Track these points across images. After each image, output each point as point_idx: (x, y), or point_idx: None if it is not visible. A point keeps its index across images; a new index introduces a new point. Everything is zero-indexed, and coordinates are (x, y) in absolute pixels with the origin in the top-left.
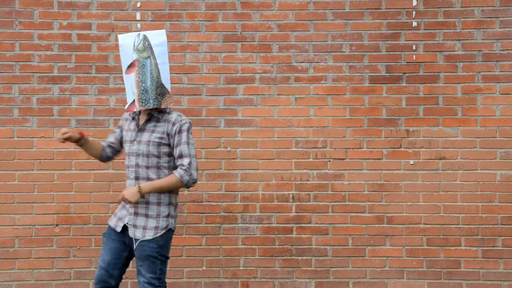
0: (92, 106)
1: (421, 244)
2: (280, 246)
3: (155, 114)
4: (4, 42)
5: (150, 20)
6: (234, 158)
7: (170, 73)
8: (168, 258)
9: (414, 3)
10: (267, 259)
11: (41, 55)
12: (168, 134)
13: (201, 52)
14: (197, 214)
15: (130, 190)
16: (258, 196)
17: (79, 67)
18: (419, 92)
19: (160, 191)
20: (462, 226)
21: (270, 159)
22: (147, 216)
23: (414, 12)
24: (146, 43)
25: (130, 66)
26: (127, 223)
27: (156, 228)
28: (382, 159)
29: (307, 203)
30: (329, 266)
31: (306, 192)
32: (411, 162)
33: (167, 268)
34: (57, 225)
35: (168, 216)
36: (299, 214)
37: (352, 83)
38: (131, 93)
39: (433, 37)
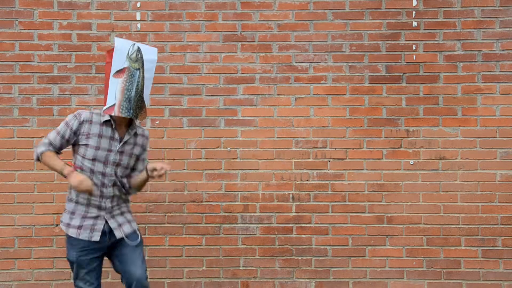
0: (92, 106)
1: (421, 244)
2: (280, 246)
3: (136, 126)
4: (4, 42)
5: (150, 20)
6: (234, 158)
7: (170, 73)
8: None
9: (414, 3)
10: (267, 259)
11: (41, 55)
12: (142, 147)
13: (201, 52)
14: (197, 214)
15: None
16: (258, 196)
17: (79, 67)
18: (419, 92)
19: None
20: (462, 226)
21: (270, 159)
22: (122, 213)
23: (414, 12)
24: (139, 55)
25: (120, 71)
26: (111, 226)
27: (133, 220)
28: (382, 159)
29: (307, 203)
30: (329, 266)
31: (306, 192)
32: (411, 162)
33: (168, 268)
34: (57, 225)
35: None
36: (299, 214)
37: (352, 83)
38: (113, 97)
39: (433, 37)
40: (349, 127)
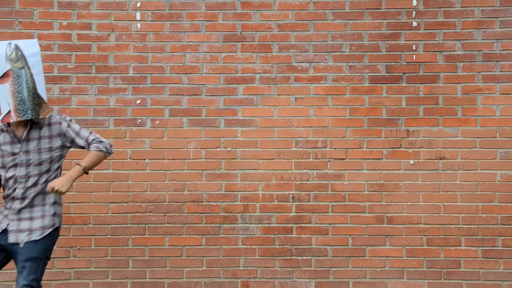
0: (92, 106)
1: (421, 244)
2: (280, 246)
3: (36, 121)
4: None
5: (150, 20)
6: (234, 158)
7: (170, 73)
8: (49, 259)
9: (414, 3)
10: (267, 259)
11: (41, 55)
12: (59, 134)
13: (201, 52)
14: (197, 214)
15: (61, 180)
16: (258, 196)
17: (79, 67)
18: (419, 92)
19: (93, 166)
20: (462, 226)
21: (270, 159)
22: (31, 218)
23: (414, 12)
24: (19, 53)
25: (3, 76)
26: (8, 229)
27: (43, 228)
28: (382, 159)
29: (307, 203)
30: (329, 266)
31: (306, 192)
32: (411, 162)
33: (168, 268)
34: None
35: (54, 215)
36: (299, 214)
37: (352, 83)
38: (6, 104)
39: (433, 37)
40: (349, 127)
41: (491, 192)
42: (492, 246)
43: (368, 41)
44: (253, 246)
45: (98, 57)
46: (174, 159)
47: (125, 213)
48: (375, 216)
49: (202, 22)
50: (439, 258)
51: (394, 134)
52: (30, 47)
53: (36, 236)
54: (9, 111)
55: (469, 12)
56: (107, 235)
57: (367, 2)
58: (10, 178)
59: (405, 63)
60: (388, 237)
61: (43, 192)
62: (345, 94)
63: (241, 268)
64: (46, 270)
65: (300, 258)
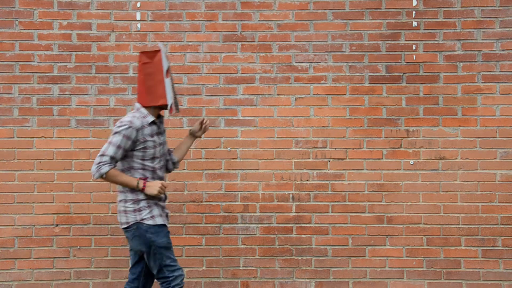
0: (92, 106)
1: (421, 244)
2: (280, 246)
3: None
4: (4, 42)
5: (150, 20)
6: (234, 158)
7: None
8: None
9: (414, 3)
10: (267, 259)
11: (41, 55)
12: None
13: (201, 52)
14: (197, 214)
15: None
16: (258, 196)
17: (79, 67)
18: (419, 92)
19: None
20: (462, 226)
21: (270, 159)
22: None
23: (414, 12)
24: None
25: (168, 71)
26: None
27: None
28: (382, 159)
29: (307, 203)
30: (329, 266)
31: (306, 192)
32: (411, 162)
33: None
34: (57, 225)
35: None
36: (299, 214)
37: (352, 83)
38: (169, 96)
39: (433, 37)
40: (349, 127)
41: (491, 192)
42: (492, 246)
43: (368, 41)
44: (253, 246)
45: (98, 57)
46: None
47: None
48: (375, 216)
49: (202, 22)
50: (439, 258)
51: (394, 134)
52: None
53: None
54: (171, 104)
55: (469, 12)
56: (107, 235)
57: (367, 2)
58: (158, 169)
59: (405, 63)
60: (388, 237)
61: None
62: (345, 94)
63: (241, 268)
64: (46, 270)
65: (300, 258)
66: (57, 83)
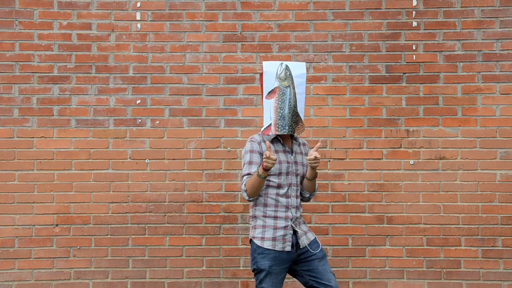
0: (92, 106)
1: (421, 244)
2: None
3: (295, 137)
4: (4, 42)
5: (150, 20)
6: (234, 158)
7: (170, 73)
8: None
9: (414, 3)
10: None
11: (41, 55)
12: (306, 154)
13: (201, 52)
14: (197, 214)
15: None
16: None
17: (79, 67)
18: (419, 92)
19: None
20: (462, 226)
21: None
22: (300, 223)
23: (414, 12)
24: (288, 73)
25: (271, 92)
26: (300, 233)
27: (309, 229)
28: (382, 159)
29: (307, 203)
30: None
31: None
32: (411, 162)
33: (168, 268)
34: (57, 225)
35: None
36: None
37: (352, 83)
38: (268, 117)
39: (433, 37)
40: (349, 127)
41: (491, 192)
42: (492, 246)
43: (368, 41)
44: None
45: (98, 57)
46: (174, 159)
47: (125, 213)
48: (375, 216)
49: (202, 22)
50: (439, 258)
51: (394, 134)
52: (298, 69)
53: (313, 235)
54: (270, 124)
55: (469, 12)
56: (107, 235)
57: (367, 2)
58: (284, 185)
59: (405, 63)
60: (388, 237)
61: (306, 200)
62: (345, 94)
63: (241, 268)
64: (46, 270)
65: None
66: (57, 83)
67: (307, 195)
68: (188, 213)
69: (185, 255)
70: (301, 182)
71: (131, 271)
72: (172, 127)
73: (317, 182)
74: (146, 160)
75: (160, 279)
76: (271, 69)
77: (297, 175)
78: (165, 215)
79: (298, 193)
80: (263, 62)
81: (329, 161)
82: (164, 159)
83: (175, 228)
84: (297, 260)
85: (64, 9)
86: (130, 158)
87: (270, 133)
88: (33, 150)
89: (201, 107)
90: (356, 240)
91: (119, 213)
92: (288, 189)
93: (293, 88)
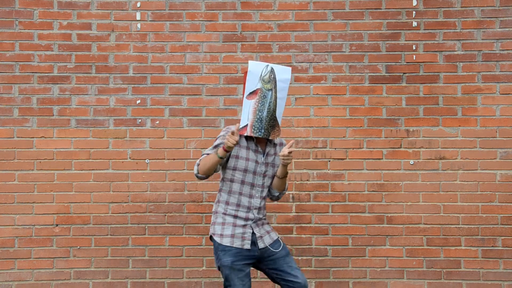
0: (92, 106)
1: (421, 244)
2: None
3: (270, 141)
4: (4, 42)
5: (150, 20)
6: None
7: (170, 73)
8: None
9: (414, 3)
10: None
11: (41, 55)
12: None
13: (201, 52)
14: (197, 214)
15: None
16: None
17: (79, 67)
18: (419, 92)
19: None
20: (462, 226)
21: None
22: (263, 224)
23: (414, 12)
24: (272, 76)
25: (252, 93)
26: (258, 236)
27: (272, 229)
28: (382, 159)
29: (307, 203)
30: (329, 266)
31: (306, 192)
32: (411, 162)
33: (168, 268)
34: (57, 225)
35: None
36: (299, 214)
37: (352, 83)
38: (246, 117)
39: (433, 37)
40: (349, 127)
41: (491, 192)
42: (492, 246)
43: (368, 41)
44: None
45: (98, 57)
46: (174, 159)
47: (125, 213)
48: (375, 216)
49: (202, 22)
50: (439, 258)
51: (394, 134)
52: (283, 73)
53: (275, 235)
54: (246, 125)
55: (469, 12)
56: (107, 235)
57: (367, 2)
58: (247, 183)
59: (405, 63)
60: (388, 237)
61: (274, 199)
62: (345, 94)
63: None
64: (46, 270)
65: (300, 258)
66: (57, 83)
67: (276, 194)
68: (188, 213)
69: (185, 255)
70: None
71: (131, 271)
72: (172, 127)
73: (287, 182)
74: (146, 160)
75: (160, 279)
76: (256, 69)
77: (264, 176)
78: (165, 215)
79: (264, 194)
80: (249, 61)
81: (329, 161)
82: (164, 159)
83: (175, 228)
84: (261, 258)
85: (64, 9)
86: (130, 158)
87: (246, 134)
88: (33, 150)
89: (201, 107)
90: (356, 240)
91: (119, 213)
92: (251, 189)
93: (275, 92)
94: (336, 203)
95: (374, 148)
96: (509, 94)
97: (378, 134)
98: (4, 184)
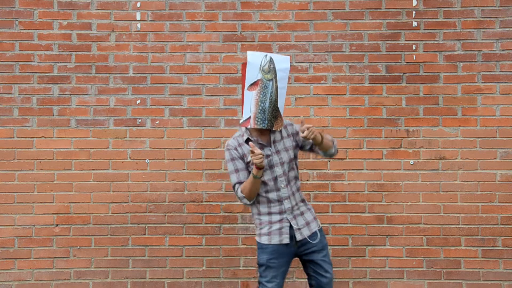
0: (92, 106)
1: (421, 244)
2: None
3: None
4: (4, 42)
5: (150, 20)
6: None
7: (170, 73)
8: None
9: (414, 3)
10: None
11: (41, 55)
12: (293, 134)
13: (201, 52)
14: (197, 214)
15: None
16: None
17: (79, 67)
18: (419, 92)
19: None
20: (462, 226)
21: None
22: (302, 213)
23: (414, 12)
24: (272, 66)
25: (253, 84)
26: (295, 228)
27: (315, 218)
28: (382, 159)
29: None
30: None
31: (306, 192)
32: (411, 162)
33: (168, 268)
34: (57, 225)
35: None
36: None
37: (352, 83)
38: (248, 109)
39: (433, 37)
40: (349, 127)
41: (491, 192)
42: (492, 246)
43: (368, 41)
44: (253, 246)
45: (98, 57)
46: (174, 159)
47: (125, 213)
48: (375, 216)
49: (202, 22)
50: (439, 258)
51: (394, 134)
52: (282, 63)
53: (314, 226)
54: (249, 117)
55: (469, 12)
56: (107, 235)
57: (367, 2)
58: (269, 180)
59: (405, 63)
60: (388, 237)
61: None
62: (345, 94)
63: (241, 268)
64: (46, 270)
65: None
66: (57, 83)
67: (332, 151)
68: (188, 213)
69: (185, 255)
70: (293, 160)
71: (131, 271)
72: (172, 127)
73: (328, 140)
74: (146, 160)
75: (160, 279)
76: (255, 60)
77: (282, 164)
78: (165, 215)
79: (291, 179)
80: (248, 52)
81: (329, 161)
82: (164, 159)
83: (175, 228)
84: (300, 251)
85: (64, 9)
86: (130, 158)
87: (249, 126)
88: (33, 150)
89: (201, 107)
90: (356, 240)
91: (119, 213)
92: (275, 183)
93: (276, 82)
94: (336, 203)
95: (374, 148)
96: (509, 94)
97: (378, 134)
98: (4, 184)
